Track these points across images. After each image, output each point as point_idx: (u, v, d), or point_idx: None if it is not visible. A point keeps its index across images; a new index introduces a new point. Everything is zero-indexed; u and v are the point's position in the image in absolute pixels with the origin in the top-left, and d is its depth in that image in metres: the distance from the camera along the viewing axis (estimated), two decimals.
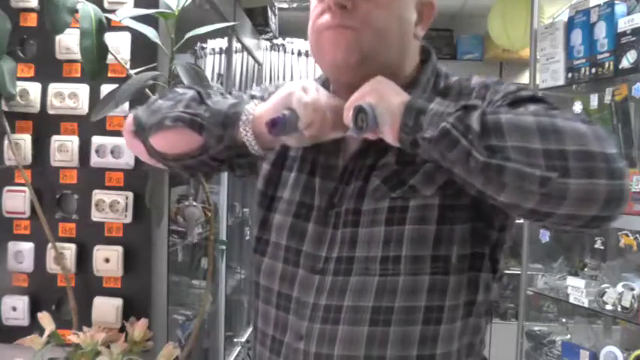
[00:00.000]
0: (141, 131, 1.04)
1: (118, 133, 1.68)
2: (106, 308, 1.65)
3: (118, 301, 1.66)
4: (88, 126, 1.66)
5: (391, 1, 0.93)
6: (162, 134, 1.01)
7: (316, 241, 0.95)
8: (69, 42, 1.66)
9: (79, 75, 1.69)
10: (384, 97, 0.85)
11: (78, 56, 1.57)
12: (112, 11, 1.55)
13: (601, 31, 2.17)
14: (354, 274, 0.90)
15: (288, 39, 4.18)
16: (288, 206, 0.99)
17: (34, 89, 1.69)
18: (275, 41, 4.08)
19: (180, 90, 1.06)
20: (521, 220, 3.02)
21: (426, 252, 0.88)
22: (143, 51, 1.65)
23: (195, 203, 2.24)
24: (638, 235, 2.19)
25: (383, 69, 0.92)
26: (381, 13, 0.92)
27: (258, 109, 0.95)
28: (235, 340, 2.90)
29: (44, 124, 1.70)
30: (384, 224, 0.89)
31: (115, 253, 1.66)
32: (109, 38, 1.58)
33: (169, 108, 1.01)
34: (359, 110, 0.85)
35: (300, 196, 0.99)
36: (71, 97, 1.69)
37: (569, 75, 2.34)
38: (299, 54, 4.24)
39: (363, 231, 0.91)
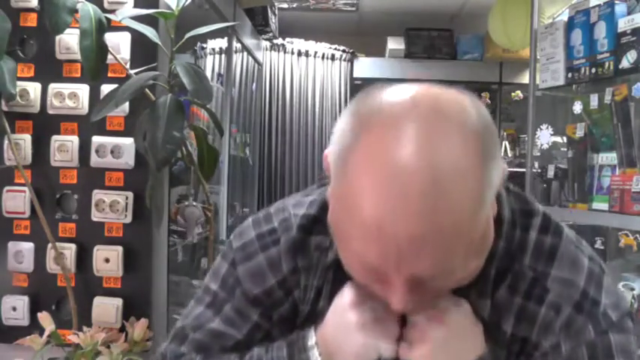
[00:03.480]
0: None
1: (118, 133, 1.68)
2: (106, 308, 1.65)
3: (118, 301, 1.66)
4: (88, 126, 1.66)
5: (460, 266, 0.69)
6: None
7: None
8: (69, 42, 1.66)
9: (79, 75, 1.70)
10: None
11: (78, 56, 1.57)
12: (112, 11, 1.55)
13: (601, 31, 2.17)
14: None
15: (288, 39, 4.18)
16: None
17: (34, 89, 1.69)
18: (275, 41, 4.08)
19: None
20: None
21: None
22: (143, 51, 1.65)
23: (195, 203, 2.24)
24: (638, 235, 2.19)
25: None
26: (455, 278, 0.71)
27: None
28: None
29: (44, 124, 1.70)
30: None
31: (115, 253, 1.66)
32: (109, 38, 1.58)
33: None
34: None
35: None
36: (71, 97, 1.69)
37: (569, 75, 2.33)
38: (299, 54, 4.24)
39: None
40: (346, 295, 0.77)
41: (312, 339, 0.79)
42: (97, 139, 1.68)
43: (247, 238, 0.86)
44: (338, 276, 0.80)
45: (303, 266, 0.83)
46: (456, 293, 0.75)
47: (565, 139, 2.44)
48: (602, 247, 2.34)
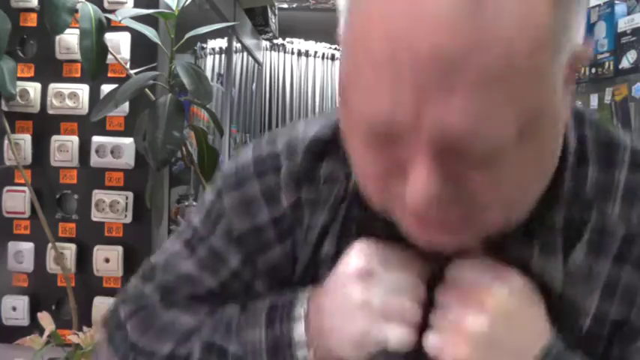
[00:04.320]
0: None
1: (117, 133, 1.68)
2: (106, 308, 1.65)
3: None
4: (88, 126, 1.66)
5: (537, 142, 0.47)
6: None
7: None
8: (69, 42, 1.66)
9: (79, 75, 1.70)
10: None
11: (78, 56, 1.57)
12: (112, 11, 1.55)
13: (601, 31, 2.17)
14: None
15: (288, 39, 4.19)
16: None
17: (34, 89, 1.69)
18: (275, 41, 4.08)
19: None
20: None
21: None
22: (143, 51, 1.65)
23: (195, 203, 2.24)
24: None
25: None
26: (514, 178, 0.47)
27: (317, 345, 0.59)
28: None
29: (44, 124, 1.70)
30: None
31: (115, 253, 1.66)
32: (109, 38, 1.58)
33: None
34: None
35: None
36: (71, 97, 1.69)
37: None
38: (299, 54, 4.24)
39: None
40: (353, 260, 0.57)
41: (301, 306, 0.60)
42: (97, 139, 1.68)
43: (242, 161, 0.66)
44: (351, 213, 0.62)
45: (307, 200, 0.64)
46: (511, 255, 0.55)
47: None
48: None
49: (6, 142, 1.66)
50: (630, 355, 0.55)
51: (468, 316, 0.52)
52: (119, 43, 1.65)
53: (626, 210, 0.56)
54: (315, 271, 0.64)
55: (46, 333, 1.57)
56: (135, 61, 1.65)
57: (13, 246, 1.70)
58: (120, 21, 1.49)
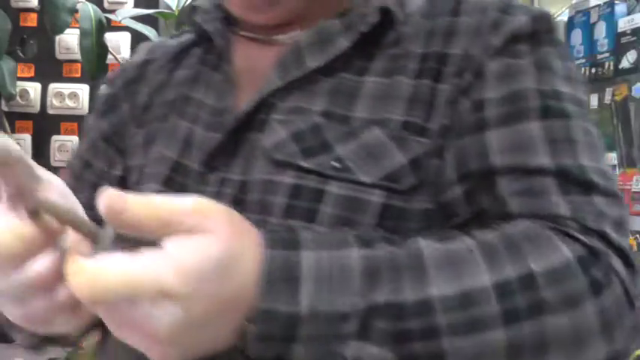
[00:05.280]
0: None
1: None
2: None
3: None
4: None
5: None
6: None
7: None
8: (69, 42, 1.66)
9: (79, 75, 1.70)
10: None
11: (78, 56, 1.57)
12: (112, 11, 1.55)
13: (601, 31, 2.17)
14: None
15: None
16: (157, 167, 0.61)
17: (34, 89, 1.69)
18: None
19: None
20: None
21: None
22: None
23: None
24: (638, 235, 2.19)
25: None
26: None
27: None
28: None
29: (44, 124, 1.70)
30: (277, 214, 0.53)
31: None
32: (109, 38, 1.58)
33: None
34: None
35: (178, 155, 0.61)
36: (71, 97, 1.69)
37: None
38: None
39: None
40: None
41: None
42: None
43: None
44: None
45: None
46: None
47: None
48: None
49: None
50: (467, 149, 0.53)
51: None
52: (119, 43, 1.65)
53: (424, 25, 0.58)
54: None
55: None
56: None
57: None
58: (120, 21, 1.49)
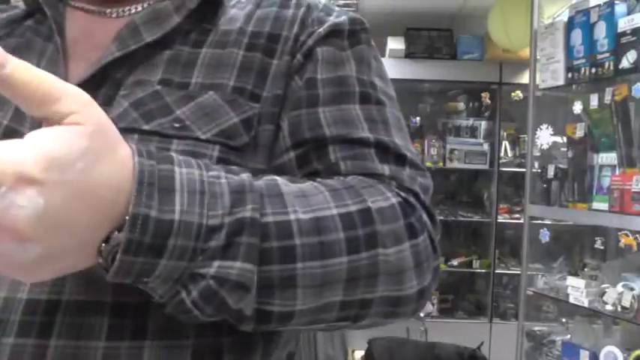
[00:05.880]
0: None
1: None
2: None
3: None
4: None
5: None
6: None
7: None
8: None
9: None
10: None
11: None
12: None
13: (601, 31, 2.17)
14: None
15: None
16: None
17: None
18: None
19: None
20: (521, 220, 3.00)
21: None
22: None
23: None
24: (638, 235, 2.19)
25: None
26: None
27: None
28: None
29: None
30: None
31: None
32: None
33: None
34: None
35: (10, 119, 0.59)
36: None
37: (569, 75, 2.34)
38: None
39: None
40: None
41: None
42: None
43: None
44: None
45: None
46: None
47: (565, 139, 2.45)
48: (602, 247, 2.34)
49: None
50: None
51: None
52: None
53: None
54: None
55: None
56: None
57: None
58: None
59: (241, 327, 0.49)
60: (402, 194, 0.56)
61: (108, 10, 0.65)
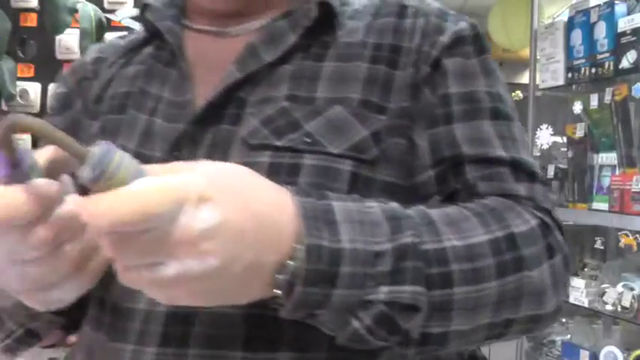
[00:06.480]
0: None
1: None
2: None
3: None
4: None
5: None
6: None
7: None
8: (69, 42, 1.66)
9: None
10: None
11: (78, 56, 1.57)
12: (112, 11, 1.55)
13: (601, 31, 2.17)
14: None
15: None
16: None
17: (34, 89, 1.69)
18: None
19: None
20: None
21: None
22: None
23: None
24: (638, 235, 2.19)
25: None
26: None
27: None
28: None
29: None
30: None
31: None
32: (109, 38, 1.58)
33: None
34: None
35: (137, 145, 0.62)
36: None
37: (569, 75, 2.34)
38: None
39: None
40: None
41: None
42: None
43: None
44: None
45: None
46: None
47: (565, 139, 2.45)
48: (602, 247, 2.34)
49: None
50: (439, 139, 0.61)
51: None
52: None
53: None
54: None
55: None
56: None
57: None
58: (120, 21, 1.49)
59: (402, 350, 0.51)
60: (539, 214, 0.57)
61: (228, 30, 0.66)
